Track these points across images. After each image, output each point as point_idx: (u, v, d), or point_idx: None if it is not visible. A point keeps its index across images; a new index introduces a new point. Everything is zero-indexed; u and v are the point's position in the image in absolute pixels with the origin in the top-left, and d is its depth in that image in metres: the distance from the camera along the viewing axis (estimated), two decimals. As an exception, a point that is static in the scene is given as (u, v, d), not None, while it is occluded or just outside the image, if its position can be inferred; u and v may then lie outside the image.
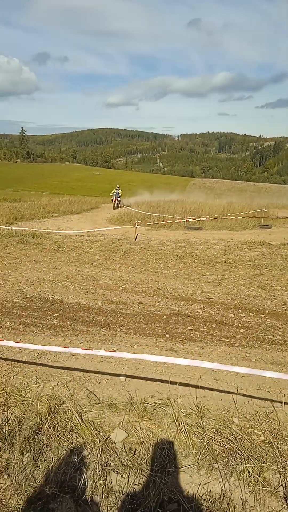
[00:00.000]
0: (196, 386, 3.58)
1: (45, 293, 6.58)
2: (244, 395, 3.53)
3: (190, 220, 15.35)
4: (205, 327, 5.28)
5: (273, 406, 3.34)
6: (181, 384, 3.65)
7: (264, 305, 6.16)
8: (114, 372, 3.94)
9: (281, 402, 3.38)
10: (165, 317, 5.64)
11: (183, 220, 15.20)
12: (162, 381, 3.74)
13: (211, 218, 15.24)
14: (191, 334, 5.04)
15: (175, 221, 15.16)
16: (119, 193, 23.50)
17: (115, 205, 23.02)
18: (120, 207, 22.72)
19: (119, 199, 23.24)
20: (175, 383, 3.64)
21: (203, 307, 6.04)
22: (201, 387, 3.61)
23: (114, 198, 23.40)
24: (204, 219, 15.26)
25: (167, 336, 4.98)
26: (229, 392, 3.56)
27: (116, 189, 23.60)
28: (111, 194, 24.35)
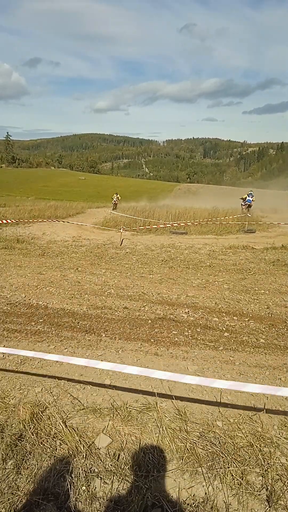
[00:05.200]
0: (171, 397, 3.58)
1: (29, 299, 6.52)
2: (226, 403, 3.56)
3: (175, 225, 15.42)
4: (189, 331, 5.31)
5: (255, 409, 3.36)
6: (160, 394, 3.66)
7: (247, 309, 6.22)
8: (99, 377, 3.93)
9: (263, 406, 3.41)
10: (150, 321, 5.64)
11: (168, 225, 15.26)
12: (145, 392, 3.74)
13: (195, 223, 15.33)
14: (176, 339, 5.05)
15: (160, 225, 15.21)
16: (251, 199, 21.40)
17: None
18: None
19: None
20: (154, 393, 3.64)
21: (188, 311, 6.07)
22: (177, 398, 3.62)
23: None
24: (189, 223, 15.36)
25: (152, 340, 4.98)
26: (211, 404, 3.58)
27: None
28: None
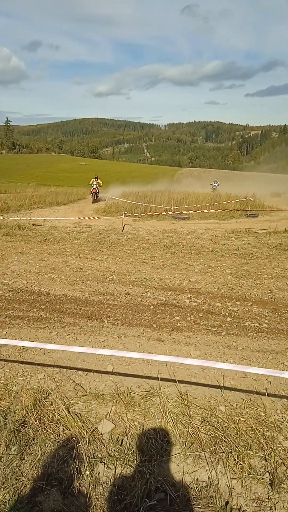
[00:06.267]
0: (174, 381, 3.59)
1: (31, 285, 6.51)
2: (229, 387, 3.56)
3: (177, 212, 15.33)
4: (192, 316, 5.29)
5: (258, 393, 3.36)
6: (163, 379, 3.66)
7: (250, 294, 6.20)
8: (101, 363, 3.93)
9: (265, 390, 3.41)
10: (152, 307, 5.63)
11: (170, 213, 15.17)
12: (148, 376, 3.75)
13: (198, 211, 15.22)
14: (178, 324, 5.05)
15: (162, 212, 15.12)
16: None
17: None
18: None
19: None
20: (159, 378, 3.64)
21: (190, 296, 6.05)
22: (180, 381, 3.62)
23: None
24: (191, 211, 15.25)
25: (155, 326, 4.97)
26: (215, 386, 3.58)
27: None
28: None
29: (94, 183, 21.33)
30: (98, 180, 21.47)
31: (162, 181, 38.14)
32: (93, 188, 21.29)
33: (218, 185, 28.80)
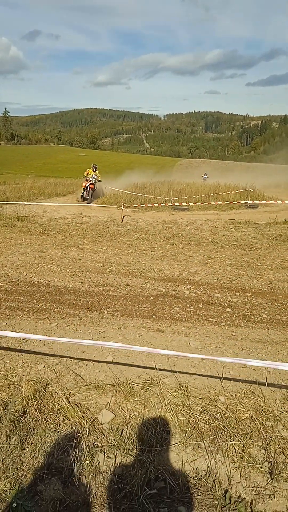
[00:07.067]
0: (174, 371, 3.60)
1: (30, 277, 6.51)
2: (229, 378, 3.57)
3: (176, 203, 15.28)
4: (191, 307, 5.30)
5: (258, 383, 3.37)
6: (161, 369, 3.67)
7: (250, 284, 6.20)
8: (101, 354, 3.94)
9: (265, 380, 3.42)
10: (152, 298, 5.63)
11: (169, 204, 15.12)
12: (148, 367, 3.75)
13: (198, 203, 15.17)
14: (178, 315, 5.05)
15: (162, 204, 15.06)
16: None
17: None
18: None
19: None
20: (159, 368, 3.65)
21: (190, 287, 6.05)
22: (180, 372, 3.63)
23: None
24: (191, 204, 15.21)
25: (154, 317, 4.98)
26: (214, 377, 3.59)
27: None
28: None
29: (92, 175, 16.33)
30: (97, 172, 16.59)
31: (162, 172, 38.05)
32: (91, 183, 16.13)
33: (207, 177, 31.54)
